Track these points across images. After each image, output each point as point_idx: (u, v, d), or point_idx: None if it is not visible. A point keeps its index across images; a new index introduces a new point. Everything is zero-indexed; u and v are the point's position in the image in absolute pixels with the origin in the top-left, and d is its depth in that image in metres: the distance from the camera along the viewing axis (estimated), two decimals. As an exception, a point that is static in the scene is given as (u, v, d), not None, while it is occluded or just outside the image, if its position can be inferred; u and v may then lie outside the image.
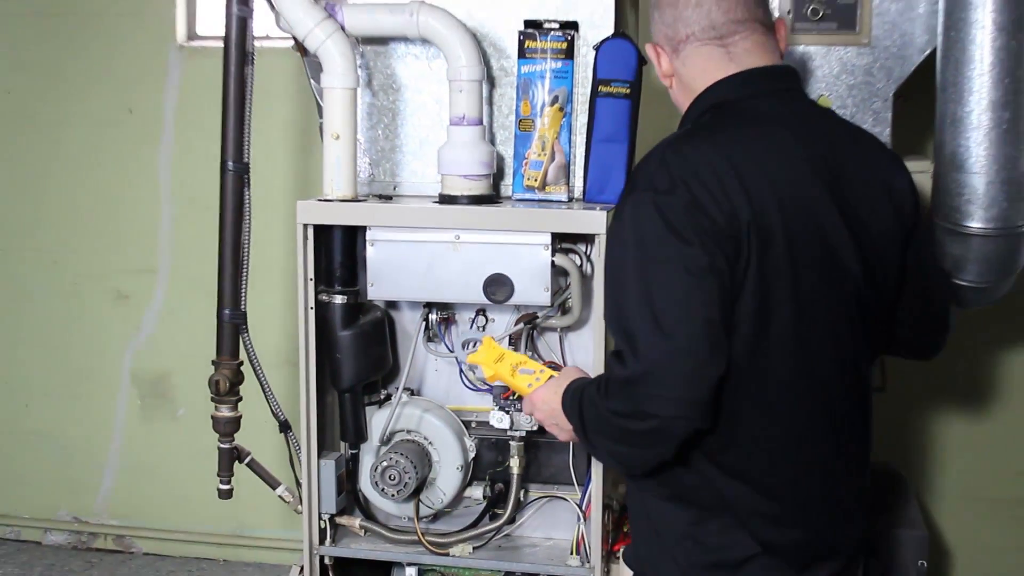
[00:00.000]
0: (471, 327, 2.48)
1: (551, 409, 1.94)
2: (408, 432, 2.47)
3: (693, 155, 1.72)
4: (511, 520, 2.47)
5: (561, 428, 1.93)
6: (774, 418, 1.76)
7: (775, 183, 1.72)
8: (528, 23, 2.38)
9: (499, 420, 2.37)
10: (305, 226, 2.35)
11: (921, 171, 2.42)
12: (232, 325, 2.49)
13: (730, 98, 1.82)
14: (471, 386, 2.48)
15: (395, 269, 2.34)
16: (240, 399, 2.54)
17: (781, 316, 1.71)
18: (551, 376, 2.01)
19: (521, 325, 2.38)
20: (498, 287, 2.29)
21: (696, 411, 1.66)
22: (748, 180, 1.70)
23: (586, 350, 2.39)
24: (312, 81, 2.56)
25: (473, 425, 2.50)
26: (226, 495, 2.56)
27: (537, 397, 1.99)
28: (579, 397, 1.82)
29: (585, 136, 2.37)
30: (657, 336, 1.64)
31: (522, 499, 2.48)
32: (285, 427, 2.54)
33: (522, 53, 2.37)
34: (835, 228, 1.76)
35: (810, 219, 1.74)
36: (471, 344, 2.41)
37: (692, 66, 1.86)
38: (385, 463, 2.39)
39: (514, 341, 2.39)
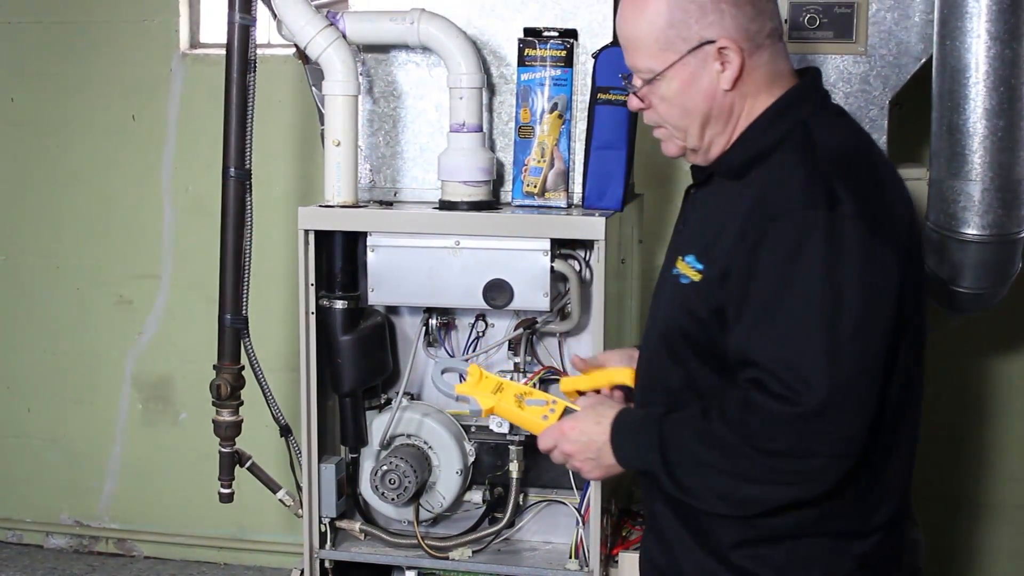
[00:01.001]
0: (470, 333, 2.48)
1: (589, 441, 1.71)
2: (408, 436, 2.47)
3: (865, 176, 1.58)
4: (510, 524, 2.47)
5: (599, 464, 1.72)
6: (890, 437, 1.64)
7: (907, 200, 1.65)
8: (528, 31, 2.38)
9: (498, 424, 2.37)
10: (306, 232, 2.35)
11: (917, 179, 2.43)
12: (233, 330, 2.49)
13: (813, 108, 1.66)
14: (471, 391, 2.49)
15: (396, 274, 2.34)
16: (241, 403, 2.54)
17: (908, 336, 1.62)
18: (566, 407, 1.78)
19: (520, 330, 2.38)
20: (498, 292, 2.29)
21: (858, 448, 1.54)
22: (902, 200, 1.61)
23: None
24: (313, 88, 2.56)
25: (472, 429, 2.49)
26: (227, 499, 2.55)
27: (570, 428, 1.73)
28: (658, 429, 1.63)
29: (584, 143, 2.37)
30: (834, 368, 1.50)
31: (521, 503, 2.47)
32: (286, 431, 2.54)
33: (522, 61, 2.37)
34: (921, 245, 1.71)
35: (920, 237, 1.69)
36: (457, 375, 2.13)
37: (773, 65, 1.66)
38: (385, 467, 2.39)
39: (513, 346, 2.39)
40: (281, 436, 2.54)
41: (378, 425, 2.48)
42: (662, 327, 1.71)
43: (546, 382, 2.42)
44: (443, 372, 1.99)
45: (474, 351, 2.46)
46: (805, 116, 1.64)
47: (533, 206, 2.39)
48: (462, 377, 1.91)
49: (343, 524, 2.51)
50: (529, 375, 2.38)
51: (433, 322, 2.46)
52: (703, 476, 1.60)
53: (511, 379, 2.36)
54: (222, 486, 2.54)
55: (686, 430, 1.60)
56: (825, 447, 1.52)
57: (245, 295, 2.49)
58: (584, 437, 1.71)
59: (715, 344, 1.62)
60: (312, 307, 2.38)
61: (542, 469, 2.48)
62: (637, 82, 1.70)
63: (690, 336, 1.65)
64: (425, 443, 2.46)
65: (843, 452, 1.53)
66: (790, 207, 1.54)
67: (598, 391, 1.87)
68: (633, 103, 1.72)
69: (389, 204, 2.46)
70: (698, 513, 1.66)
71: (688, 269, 1.65)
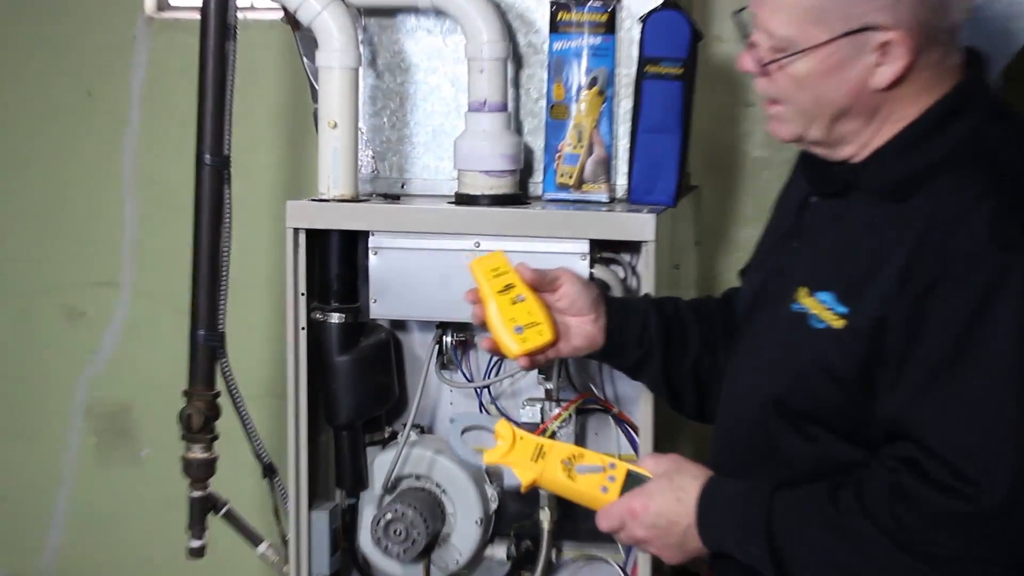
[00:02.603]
0: (488, 366, 2.49)
1: (670, 524, 1.63)
2: (417, 478, 2.50)
3: None
4: (540, 585, 2.49)
5: (683, 549, 1.65)
6: None
7: None
8: (562, -9, 2.41)
9: (526, 464, 2.39)
10: (296, 231, 2.38)
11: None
12: (207, 349, 2.52)
13: (986, 113, 1.63)
14: (493, 422, 2.51)
15: (403, 282, 2.37)
16: (216, 437, 2.56)
17: None
18: (629, 471, 1.69)
19: (553, 350, 2.40)
20: (526, 305, 2.31)
21: None
22: None
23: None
24: (305, 60, 2.59)
25: (495, 470, 2.51)
26: (197, 554, 2.58)
27: (641, 507, 1.64)
28: (766, 510, 1.56)
29: (630, 125, 2.39)
30: (1021, 458, 1.45)
31: (554, 560, 2.49)
32: (270, 471, 2.56)
33: (554, 27, 2.39)
34: None
35: None
36: (467, 433, 1.92)
37: (943, 64, 1.60)
38: (389, 515, 2.42)
39: (545, 369, 2.40)
40: (264, 477, 2.57)
41: (381, 464, 2.50)
42: (781, 385, 1.63)
43: (584, 412, 2.44)
44: (464, 432, 1.83)
45: (496, 375, 2.49)
46: (978, 123, 1.60)
47: (568, 200, 2.41)
48: (464, 431, 1.80)
49: (338, 583, 2.54)
50: (564, 404, 2.40)
51: (448, 339, 2.48)
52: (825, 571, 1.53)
53: (550, 425, 2.38)
54: (192, 538, 2.57)
55: (808, 516, 1.54)
56: (998, 554, 1.46)
57: (222, 307, 2.51)
58: (662, 520, 1.63)
59: (859, 411, 1.57)
60: (303, 321, 2.41)
61: (579, 518, 2.49)
62: (761, 40, 1.61)
63: (824, 400, 1.59)
64: (437, 486, 2.48)
65: (1018, 558, 1.47)
66: (976, 248, 1.48)
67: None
68: (746, 63, 1.65)
69: (395, 198, 2.48)
70: None
71: (824, 311, 1.58)
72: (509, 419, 1.90)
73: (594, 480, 1.68)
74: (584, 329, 1.87)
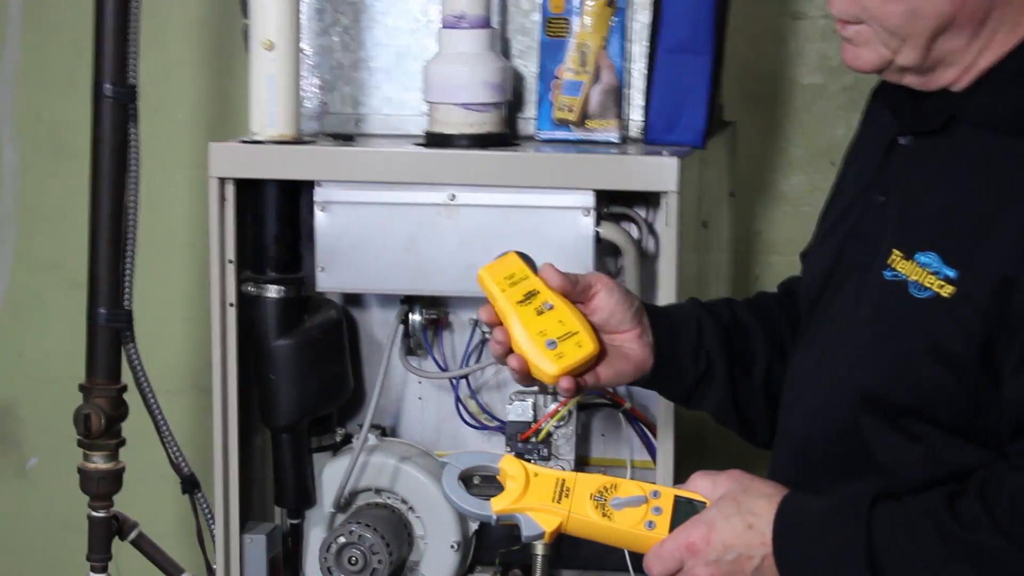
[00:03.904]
0: (471, 335, 2.50)
1: (740, 558, 1.59)
2: (378, 492, 2.51)
3: None
4: (534, 626, 2.50)
5: None
6: None
7: None
8: None
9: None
10: (222, 181, 2.38)
11: None
12: (110, 331, 2.52)
13: None
14: (474, 422, 2.53)
15: (358, 247, 2.37)
16: (122, 443, 2.57)
17: None
18: (676, 497, 1.66)
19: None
20: (514, 273, 2.31)
21: None
22: None
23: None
24: (232, -38, 2.59)
25: (476, 481, 2.51)
26: (101, 587, 2.60)
27: (702, 540, 1.60)
28: (864, 531, 1.53)
29: (647, 44, 2.39)
30: None
31: (550, 594, 2.51)
32: (191, 485, 2.57)
33: (551, -82, 2.40)
34: None
35: None
36: (468, 481, 1.82)
37: None
38: (343, 539, 2.43)
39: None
40: (184, 492, 2.58)
41: (332, 475, 2.52)
42: (875, 374, 1.63)
43: (587, 408, 2.45)
44: (461, 478, 1.76)
45: (477, 361, 2.50)
46: None
47: (569, 141, 2.41)
48: (463, 482, 1.74)
49: (279, 626, 2.55)
50: (561, 399, 2.41)
51: (415, 318, 2.49)
52: None
53: (545, 424, 2.40)
54: (93, 568, 2.58)
55: (921, 534, 1.52)
56: None
57: (128, 279, 2.51)
58: (730, 553, 1.59)
59: (978, 400, 1.56)
60: (231, 296, 2.41)
61: (580, 542, 2.49)
62: None
63: (932, 387, 1.58)
64: (403, 502, 2.50)
65: None
66: None
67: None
68: None
69: (348, 139, 2.48)
70: None
71: (927, 276, 1.58)
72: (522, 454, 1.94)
73: (636, 515, 1.65)
74: (629, 348, 1.82)
